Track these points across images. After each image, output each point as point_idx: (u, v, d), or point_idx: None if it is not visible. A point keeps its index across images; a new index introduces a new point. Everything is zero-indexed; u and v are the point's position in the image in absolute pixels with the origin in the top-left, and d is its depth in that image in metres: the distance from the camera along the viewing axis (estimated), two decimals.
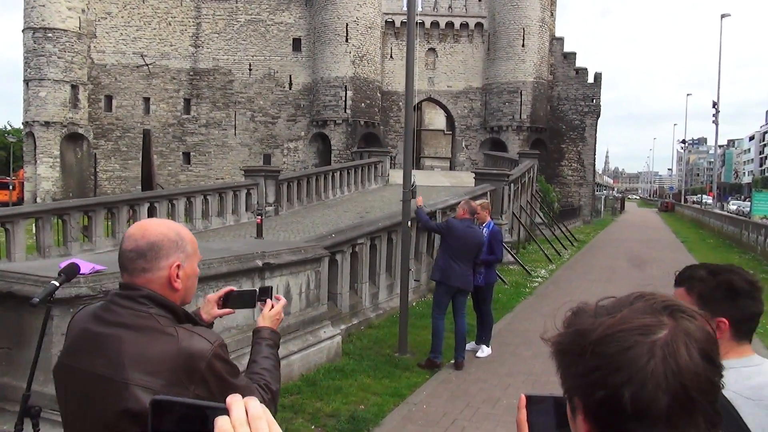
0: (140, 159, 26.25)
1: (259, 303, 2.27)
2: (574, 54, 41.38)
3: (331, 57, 39.30)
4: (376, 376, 7.08)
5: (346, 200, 24.67)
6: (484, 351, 8.21)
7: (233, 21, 41.61)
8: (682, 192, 78.65)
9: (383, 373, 7.18)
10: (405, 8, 40.03)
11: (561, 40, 41.63)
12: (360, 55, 39.39)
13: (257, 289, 2.31)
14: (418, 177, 34.83)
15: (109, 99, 41.71)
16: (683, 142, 74.93)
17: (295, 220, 19.82)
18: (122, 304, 1.77)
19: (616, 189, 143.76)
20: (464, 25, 41.11)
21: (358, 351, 8.05)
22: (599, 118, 41.39)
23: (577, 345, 0.94)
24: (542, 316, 10.50)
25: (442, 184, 29.28)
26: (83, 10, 40.61)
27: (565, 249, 21.88)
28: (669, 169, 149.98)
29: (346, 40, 39.08)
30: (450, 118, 43.97)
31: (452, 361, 7.73)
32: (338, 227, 10.99)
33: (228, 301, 2.23)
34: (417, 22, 40.77)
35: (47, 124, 39.37)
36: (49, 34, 39.19)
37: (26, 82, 39.72)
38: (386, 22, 41.22)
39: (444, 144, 56.43)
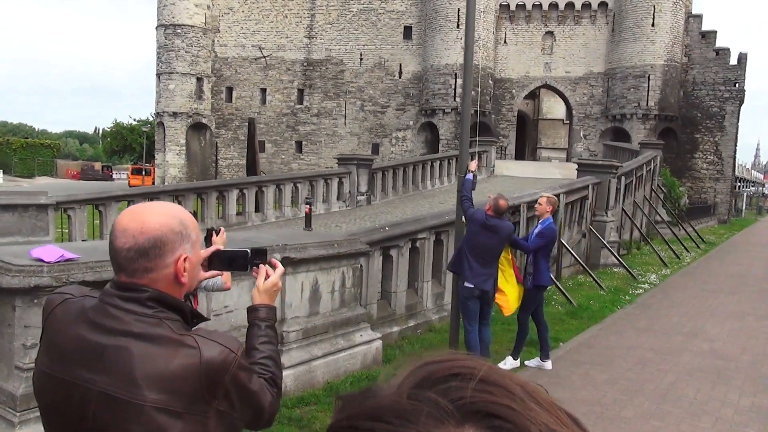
0: (255, 147, 27.01)
1: (253, 269, 1.93)
2: (714, 33, 36.83)
3: (441, 44, 38.25)
4: None
5: (445, 191, 23.68)
6: (508, 362, 7.08)
7: (346, 11, 41.88)
8: None
9: None
10: None
11: (699, 17, 37.26)
12: None
13: (248, 251, 1.89)
14: (529, 169, 33.11)
15: (229, 90, 43.85)
16: None
17: (386, 210, 19.23)
18: (126, 308, 1.51)
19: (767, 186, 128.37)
20: (586, 5, 38.13)
21: (403, 358, 7.20)
22: (743, 105, 36.60)
23: None
24: (636, 332, 9.01)
25: (553, 176, 27.32)
26: (208, 7, 42.94)
27: (688, 252, 19.32)
28: None
29: (458, 26, 37.77)
30: (568, 107, 41.16)
31: None
32: (395, 220, 10.17)
33: (213, 262, 1.82)
34: (534, 4, 38.66)
35: (175, 114, 42.22)
36: (178, 30, 41.89)
37: (158, 75, 42.84)
38: (500, 5, 39.34)
39: (563, 134, 53.22)
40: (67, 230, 12.70)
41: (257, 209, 17.01)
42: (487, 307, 6.58)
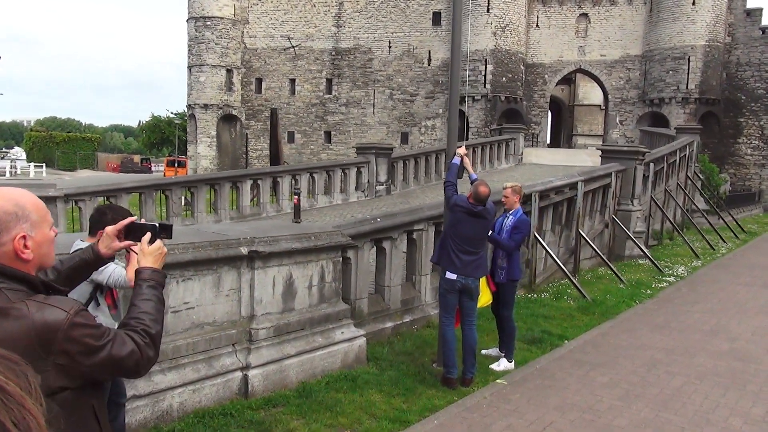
0: (278, 137, 26.83)
1: (159, 240, 2.14)
2: (760, 10, 34.84)
3: (470, 29, 37.30)
4: (391, 392, 5.85)
5: (467, 180, 23.08)
6: (501, 364, 6.62)
7: None
8: None
9: (402, 388, 5.92)
10: None
11: None
12: (502, 25, 36.95)
13: (157, 224, 2.17)
14: (559, 156, 32.13)
15: (259, 81, 43.97)
16: None
17: (406, 200, 18.79)
18: None
19: None
20: None
21: (391, 356, 6.84)
22: None
23: None
24: (651, 329, 8.41)
25: (584, 163, 26.30)
26: None
27: (724, 242, 18.26)
28: None
29: (488, 11, 36.87)
30: (604, 91, 39.73)
31: (499, 381, 6.24)
32: (390, 211, 9.77)
33: (129, 233, 2.17)
34: None
35: (206, 106, 42.61)
36: (208, 23, 42.16)
37: (189, 68, 43.28)
38: None
39: (600, 120, 51.55)
40: (78, 222, 12.74)
41: (275, 200, 16.85)
42: (469, 302, 6.13)
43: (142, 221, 2.22)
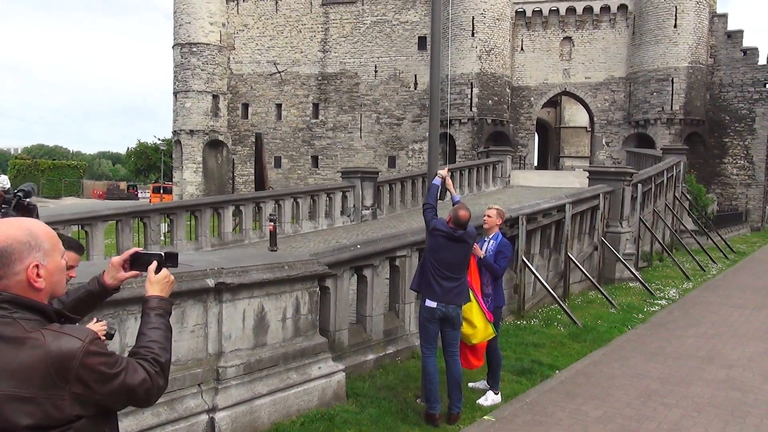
0: (263, 162, 26.49)
1: (165, 269, 2.17)
2: (741, 32, 35.35)
3: (456, 53, 37.55)
4: (371, 431, 5.46)
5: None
6: (489, 398, 6.27)
7: (360, 24, 41.60)
8: None
9: (383, 428, 5.53)
10: None
11: (724, 17, 35.84)
12: (487, 49, 37.19)
13: (163, 254, 2.20)
14: (546, 178, 32.10)
15: (245, 107, 43.86)
16: None
17: (392, 225, 18.48)
18: None
19: None
20: (605, 9, 37.07)
21: (372, 392, 6.45)
22: None
23: None
24: (645, 357, 8.08)
25: (572, 185, 26.22)
26: (223, 24, 43.14)
27: (714, 263, 18.08)
28: None
29: (472, 35, 37.13)
30: (589, 113, 39.95)
31: (487, 417, 5.86)
32: (371, 237, 9.45)
33: (135, 263, 2.19)
34: (551, 10, 37.73)
35: (192, 132, 42.35)
36: (194, 49, 42.14)
37: (175, 94, 43.11)
38: (516, 12, 38.53)
39: (586, 142, 51.81)
40: None
41: (258, 226, 16.47)
42: (451, 332, 5.79)
43: (147, 251, 2.26)
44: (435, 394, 5.67)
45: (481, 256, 6.28)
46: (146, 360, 1.90)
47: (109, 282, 2.21)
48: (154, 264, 2.14)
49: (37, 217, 2.73)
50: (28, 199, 2.95)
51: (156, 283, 2.13)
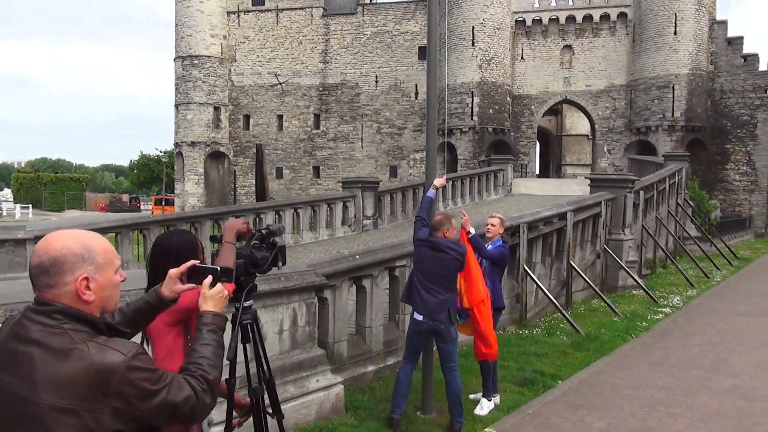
0: (264, 173, 26.48)
1: (220, 284, 2.19)
2: (741, 39, 35.36)
3: (456, 63, 37.65)
4: None
5: (458, 212, 22.77)
6: (484, 407, 6.21)
7: (360, 34, 41.77)
8: None
9: None
10: (537, 5, 37.39)
11: (724, 23, 35.88)
12: (487, 58, 37.27)
13: (219, 268, 2.22)
14: (548, 186, 31.97)
15: (247, 118, 43.97)
16: None
17: (394, 234, 18.38)
18: (35, 319, 1.75)
19: None
20: (605, 17, 37.15)
21: (372, 404, 6.35)
22: None
23: None
24: (649, 366, 7.96)
25: (573, 193, 26.13)
26: (225, 37, 43.36)
27: (718, 270, 17.94)
28: None
29: (473, 44, 37.23)
30: (590, 121, 39.94)
31: (487, 430, 5.76)
32: (370, 247, 9.38)
33: (191, 276, 2.20)
34: (551, 18, 37.83)
35: (193, 144, 42.43)
36: (195, 61, 42.32)
37: (176, 106, 43.24)
38: (516, 21, 38.65)
39: (588, 150, 51.78)
40: None
41: None
42: (444, 346, 5.70)
43: (204, 264, 2.27)
44: (398, 399, 5.70)
45: (470, 231, 6.22)
46: (194, 377, 1.88)
47: (166, 294, 2.21)
48: (209, 279, 2.15)
49: (282, 255, 2.86)
50: (276, 238, 2.92)
51: (210, 298, 2.12)
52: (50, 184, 64.57)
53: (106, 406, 1.68)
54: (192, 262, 2.24)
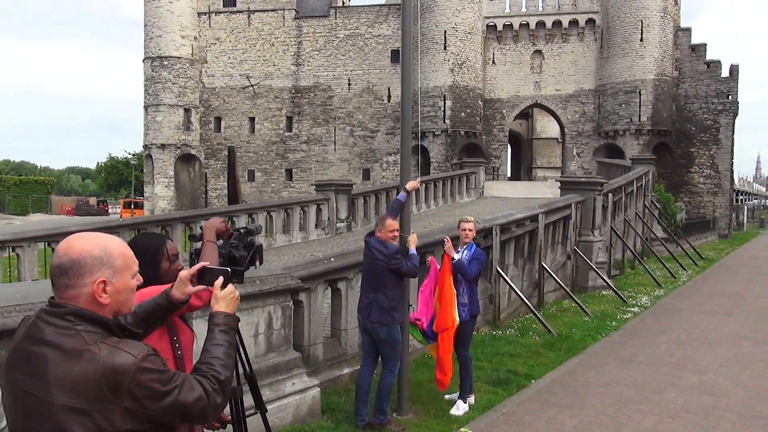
0: (236, 176, 26.23)
1: (231, 284, 2.19)
2: (704, 46, 36.41)
3: (428, 66, 37.89)
4: None
5: (431, 215, 22.92)
6: (460, 408, 6.29)
7: (333, 37, 41.73)
8: None
9: None
10: (508, 10, 37.85)
11: (688, 31, 36.88)
12: (459, 62, 37.60)
13: (229, 269, 2.22)
14: (519, 189, 32.32)
15: (218, 120, 43.50)
16: None
17: None
18: (48, 321, 1.78)
19: None
20: (573, 23, 37.85)
21: (348, 406, 6.35)
22: (737, 117, 35.96)
23: None
24: (619, 364, 8.14)
25: (544, 195, 26.53)
26: (195, 38, 42.85)
27: (684, 270, 18.42)
28: None
29: (444, 48, 37.52)
30: (560, 125, 40.61)
31: (463, 429, 5.81)
32: (345, 250, 9.39)
33: (202, 278, 2.21)
34: (521, 24, 38.36)
35: (163, 146, 41.80)
36: (165, 62, 41.72)
37: (146, 108, 42.56)
38: (488, 26, 39.08)
39: (558, 153, 52.61)
40: (15, 270, 11.92)
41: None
42: (381, 347, 5.79)
43: (215, 266, 2.28)
44: (357, 405, 5.77)
45: (454, 257, 6.28)
46: (205, 377, 1.90)
47: (177, 296, 2.21)
48: (221, 279, 2.15)
49: (259, 254, 2.83)
50: (253, 237, 2.91)
51: (222, 299, 2.13)
52: (14, 187, 62.82)
53: (117, 406, 1.71)
54: (202, 263, 2.25)
